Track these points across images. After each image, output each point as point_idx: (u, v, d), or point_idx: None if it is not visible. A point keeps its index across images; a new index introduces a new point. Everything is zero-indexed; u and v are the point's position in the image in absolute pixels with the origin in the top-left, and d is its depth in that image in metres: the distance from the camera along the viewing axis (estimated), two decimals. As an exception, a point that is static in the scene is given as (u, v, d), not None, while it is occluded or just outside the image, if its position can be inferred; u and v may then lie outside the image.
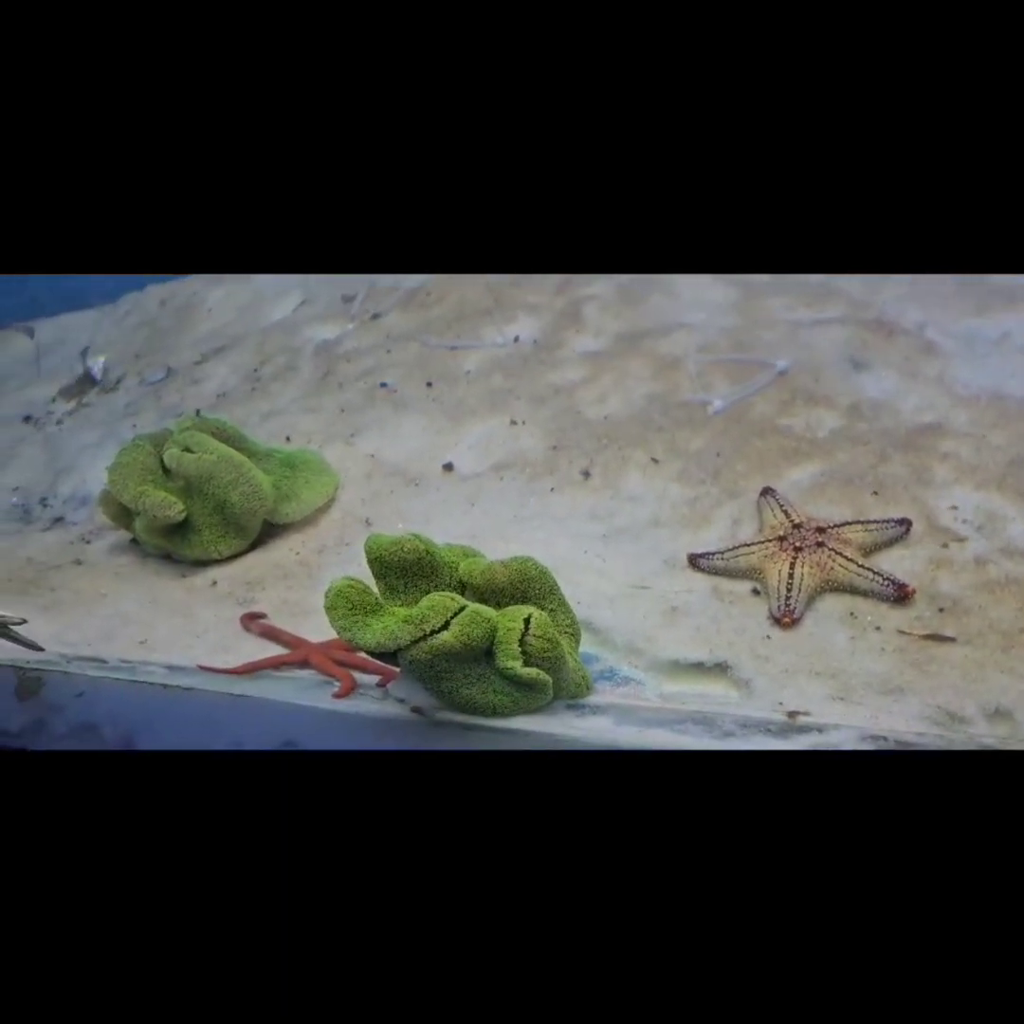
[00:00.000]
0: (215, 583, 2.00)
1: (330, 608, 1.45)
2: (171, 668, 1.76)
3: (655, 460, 2.04)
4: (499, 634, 1.43)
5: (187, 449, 1.95)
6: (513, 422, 2.22)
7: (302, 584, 1.95)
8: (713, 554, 1.78)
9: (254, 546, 2.05)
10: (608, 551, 1.88)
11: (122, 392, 2.64)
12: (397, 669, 1.54)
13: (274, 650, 1.80)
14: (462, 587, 1.54)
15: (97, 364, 2.66)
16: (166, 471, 1.99)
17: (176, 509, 1.92)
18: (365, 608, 1.46)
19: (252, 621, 1.88)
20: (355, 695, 1.63)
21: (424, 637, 1.37)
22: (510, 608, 1.47)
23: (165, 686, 1.68)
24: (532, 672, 1.43)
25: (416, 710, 1.51)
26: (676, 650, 1.64)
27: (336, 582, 1.47)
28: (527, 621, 1.43)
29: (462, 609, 1.40)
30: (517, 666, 1.41)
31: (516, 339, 2.45)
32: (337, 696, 1.61)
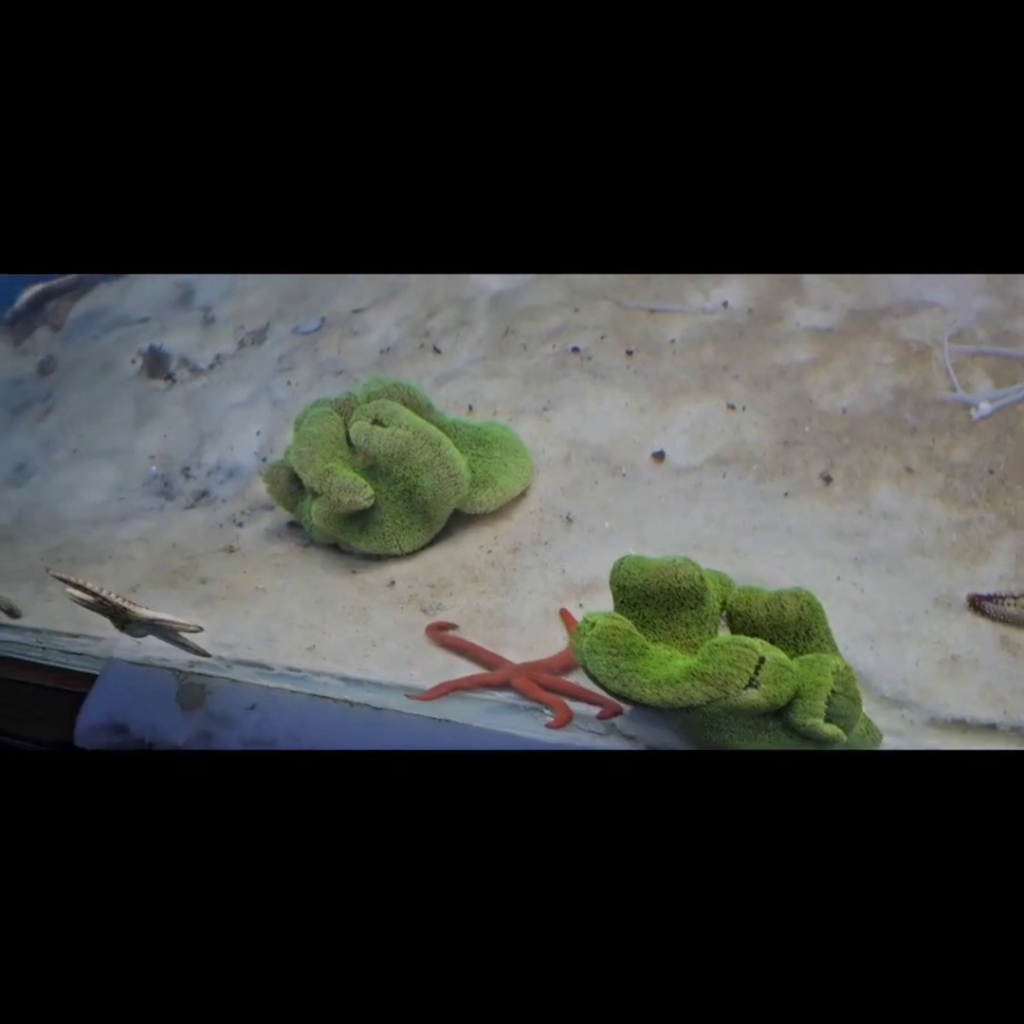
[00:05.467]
0: (393, 583, 1.74)
1: (590, 652, 1.24)
2: (347, 681, 1.53)
3: (910, 470, 1.74)
4: (803, 687, 1.21)
5: (377, 421, 1.67)
6: (731, 407, 1.93)
7: (496, 590, 1.70)
8: (1004, 598, 1.49)
9: (435, 540, 1.79)
10: (864, 579, 1.60)
11: (271, 343, 2.36)
12: (619, 702, 1.33)
13: (466, 669, 1.57)
14: (729, 618, 1.34)
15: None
16: (350, 445, 1.72)
17: (365, 494, 1.65)
18: (629, 652, 1.23)
19: (440, 632, 1.64)
20: (572, 727, 1.41)
21: (725, 697, 1.14)
22: (811, 658, 1.26)
23: (351, 703, 1.46)
24: (833, 730, 1.22)
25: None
26: (961, 707, 1.39)
27: (597, 620, 1.26)
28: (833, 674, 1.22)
29: (762, 661, 1.18)
30: (819, 723, 1.21)
31: (725, 305, 2.14)
32: (552, 727, 1.40)
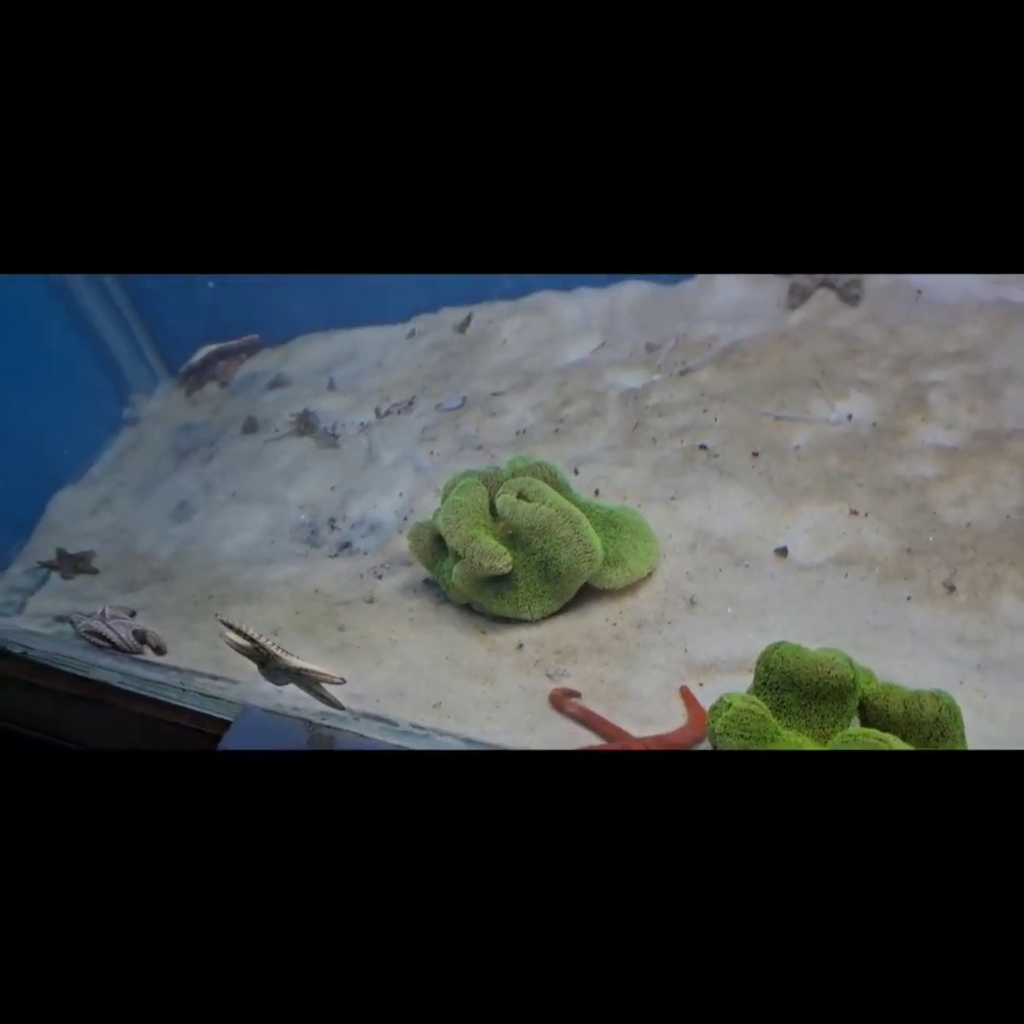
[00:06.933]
0: (521, 646, 1.83)
1: (722, 734, 1.29)
2: (469, 742, 1.57)
3: (1036, 585, 1.77)
4: None
5: (522, 496, 1.79)
6: (854, 512, 2.00)
7: (618, 662, 1.77)
8: None
9: (564, 609, 1.88)
10: (989, 685, 1.62)
11: (416, 415, 2.53)
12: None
13: (586, 739, 1.62)
14: (862, 709, 1.36)
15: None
16: (493, 515, 1.84)
17: (504, 561, 1.76)
18: (761, 737, 1.28)
19: (565, 699, 1.70)
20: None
21: (855, 784, 1.17)
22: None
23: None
24: None
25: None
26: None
27: (733, 701, 1.30)
28: None
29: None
30: None
31: (849, 418, 2.23)
32: None
